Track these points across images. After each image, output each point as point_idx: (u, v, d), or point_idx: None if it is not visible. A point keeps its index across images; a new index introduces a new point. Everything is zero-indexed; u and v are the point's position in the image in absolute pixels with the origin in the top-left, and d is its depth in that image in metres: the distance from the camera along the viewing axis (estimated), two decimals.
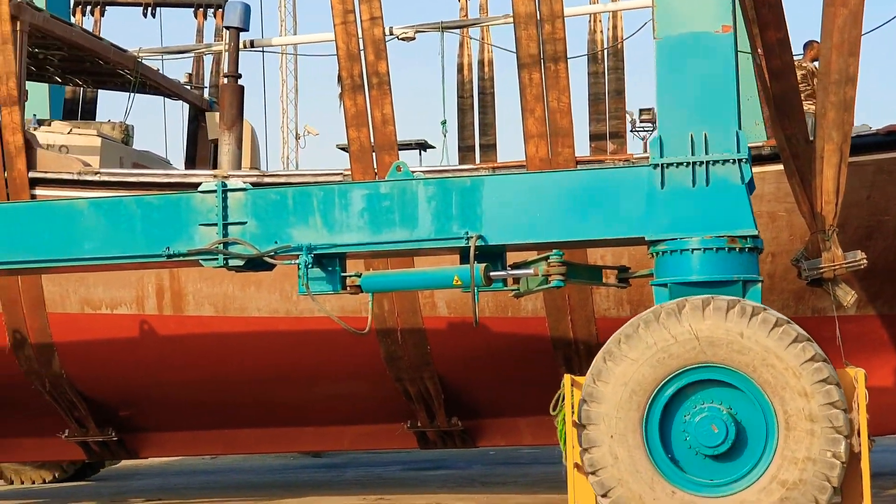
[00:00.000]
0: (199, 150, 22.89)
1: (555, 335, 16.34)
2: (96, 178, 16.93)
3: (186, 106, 23.29)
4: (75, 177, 16.93)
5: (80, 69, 21.72)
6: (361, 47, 16.09)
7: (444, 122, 20.81)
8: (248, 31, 20.02)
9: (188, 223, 12.37)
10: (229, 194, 12.32)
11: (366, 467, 22.59)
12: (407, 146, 27.15)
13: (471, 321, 16.21)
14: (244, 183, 12.47)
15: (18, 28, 17.04)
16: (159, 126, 23.77)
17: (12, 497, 19.96)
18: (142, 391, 17.73)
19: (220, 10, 23.99)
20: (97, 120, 22.60)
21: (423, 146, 27.70)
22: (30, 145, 17.13)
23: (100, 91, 23.44)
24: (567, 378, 11.69)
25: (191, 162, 22.93)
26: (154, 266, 13.38)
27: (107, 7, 23.82)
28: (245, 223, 12.29)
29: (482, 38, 21.87)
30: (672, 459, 10.94)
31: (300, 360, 17.00)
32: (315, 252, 12.08)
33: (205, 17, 24.17)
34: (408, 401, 17.20)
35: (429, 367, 16.75)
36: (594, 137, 22.08)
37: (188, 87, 22.93)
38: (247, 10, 19.82)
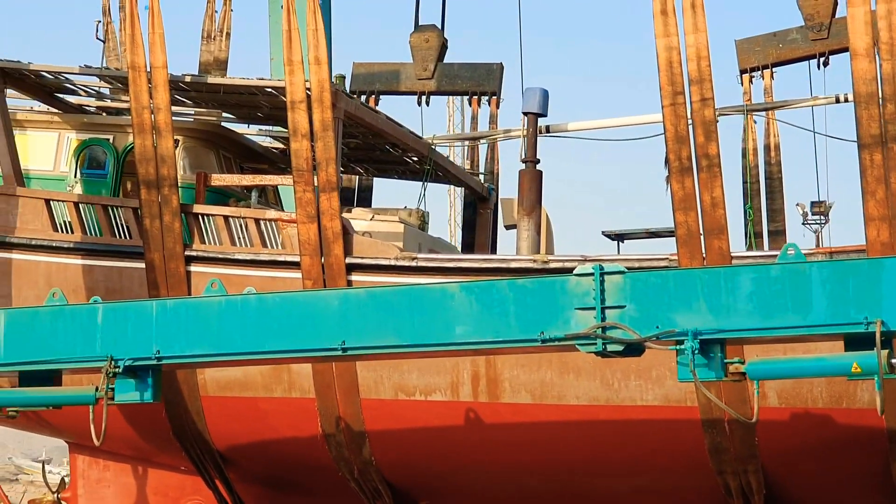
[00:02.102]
0: (478, 237, 22.79)
1: (892, 427, 15.60)
2: (414, 263, 16.83)
3: (458, 191, 23.29)
4: (393, 262, 16.87)
5: (368, 157, 21.86)
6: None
7: (749, 207, 20.34)
8: (546, 116, 19.89)
9: (563, 307, 12.02)
10: (606, 277, 11.97)
11: None
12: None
13: (803, 412, 15.61)
14: (619, 266, 12.12)
15: (335, 115, 17.18)
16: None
17: None
18: (449, 478, 17.46)
19: (495, 97, 24.05)
20: (372, 206, 22.73)
21: None
22: (346, 231, 17.15)
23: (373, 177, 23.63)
24: None
25: (468, 248, 22.83)
26: (528, 351, 13.08)
27: (381, 95, 24.01)
28: (624, 307, 11.90)
29: (768, 122, 21.41)
30: None
31: (618, 450, 16.54)
32: (700, 337, 11.63)
33: (479, 104, 24.19)
34: (726, 495, 16.58)
35: (755, 459, 16.12)
36: None
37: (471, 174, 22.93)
38: (545, 95, 19.70)
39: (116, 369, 12.85)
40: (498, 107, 24.12)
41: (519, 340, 12.12)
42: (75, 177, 20.22)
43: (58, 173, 20.49)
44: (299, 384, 17.37)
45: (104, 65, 25.22)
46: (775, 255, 15.70)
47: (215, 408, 17.92)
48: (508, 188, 24.65)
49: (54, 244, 18.72)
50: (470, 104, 24.41)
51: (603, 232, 27.86)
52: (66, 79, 20.65)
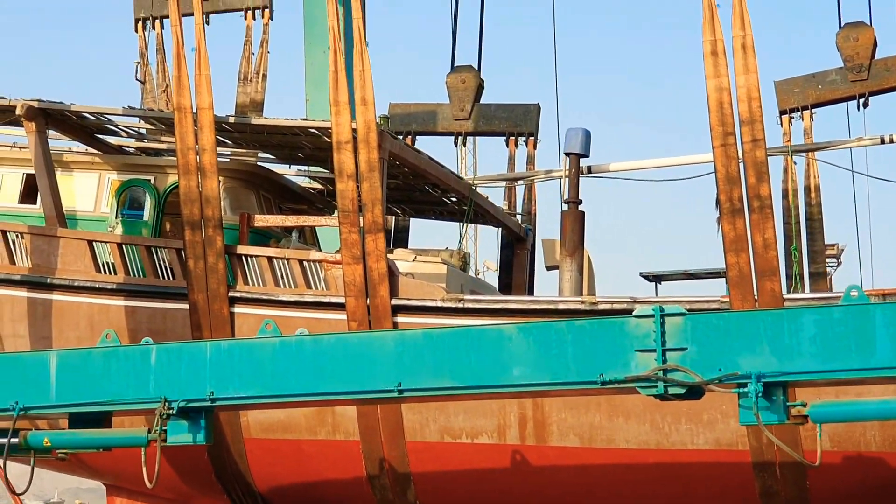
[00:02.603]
0: (516, 277, 22.69)
1: None
2: (461, 305, 16.74)
3: (494, 231, 23.22)
4: (440, 304, 16.77)
5: (406, 198, 21.81)
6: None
7: (794, 248, 20.20)
8: (588, 156, 19.80)
9: (623, 349, 11.89)
10: (667, 319, 11.85)
11: None
12: (712, 274, 26.49)
13: (855, 455, 15.41)
14: (679, 307, 12.00)
15: (381, 155, 17.15)
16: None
17: None
18: None
19: (532, 137, 24.03)
20: (408, 247, 22.66)
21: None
22: (391, 272, 17.07)
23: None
24: None
25: (506, 289, 22.73)
26: (586, 393, 12.94)
27: (418, 136, 24.00)
28: (685, 349, 11.76)
29: (808, 163, 21.31)
30: None
31: (668, 495, 16.37)
32: (764, 380, 11.49)
33: (516, 144, 24.17)
34: None
35: (806, 503, 15.93)
36: None
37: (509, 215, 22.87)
38: (587, 136, 19.63)
39: (170, 411, 12.75)
40: (535, 147, 24.12)
41: (578, 383, 11.99)
42: (116, 217, 20.22)
43: (98, 214, 20.50)
44: (343, 426, 17.26)
45: (142, 106, 25.32)
46: (828, 297, 15.63)
47: (258, 450, 17.81)
48: (544, 229, 24.63)
49: (97, 285, 18.69)
50: (507, 145, 24.40)
51: (640, 273, 27.75)
52: (108, 120, 20.68)
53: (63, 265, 18.96)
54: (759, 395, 11.48)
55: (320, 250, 20.03)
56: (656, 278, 26.41)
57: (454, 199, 22.14)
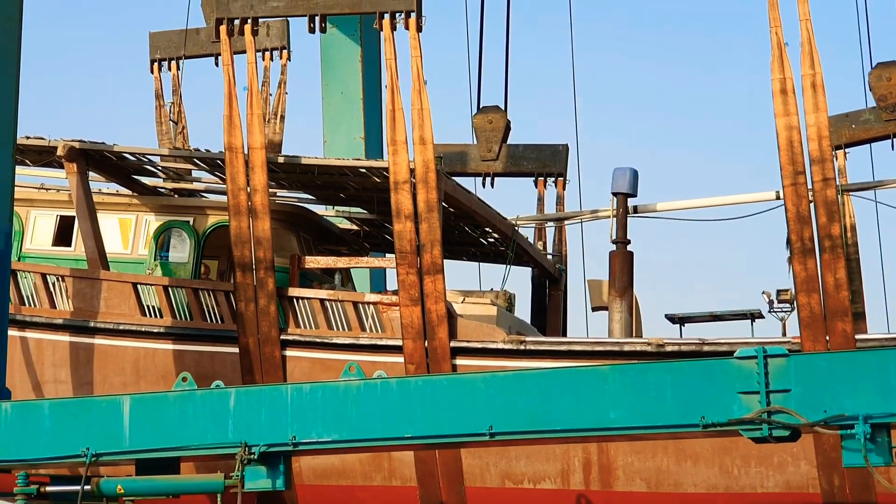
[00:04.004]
0: (550, 318, 22.43)
1: None
2: (522, 347, 16.46)
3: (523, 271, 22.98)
4: (501, 346, 16.50)
5: (446, 239, 21.54)
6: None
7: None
8: (636, 196, 19.62)
9: (724, 390, 11.63)
10: (770, 360, 11.60)
11: None
12: (738, 316, 26.26)
13: None
14: (782, 348, 11.77)
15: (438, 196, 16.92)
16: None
17: None
18: None
19: (561, 178, 23.86)
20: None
21: (753, 316, 26.73)
22: (450, 314, 16.80)
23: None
24: None
25: (540, 331, 22.44)
26: (685, 436, 12.66)
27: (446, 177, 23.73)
28: (788, 390, 11.51)
29: (844, 202, 21.14)
30: None
31: None
32: (871, 421, 11.24)
33: (545, 185, 23.97)
34: None
35: None
36: None
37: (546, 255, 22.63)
38: (635, 175, 19.46)
39: (251, 456, 12.41)
40: (564, 188, 23.95)
41: (678, 426, 11.71)
42: (154, 259, 19.91)
43: (135, 256, 20.19)
44: (400, 472, 16.93)
45: (158, 147, 25.05)
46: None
47: (311, 495, 17.43)
48: (575, 270, 24.42)
49: (143, 329, 18.35)
50: (536, 185, 24.21)
51: (665, 315, 27.49)
52: (149, 160, 20.41)
53: (106, 308, 18.62)
54: (868, 436, 11.24)
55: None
56: (681, 320, 26.17)
57: (492, 240, 21.91)
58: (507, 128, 24.37)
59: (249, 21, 17.44)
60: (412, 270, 16.75)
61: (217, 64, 25.13)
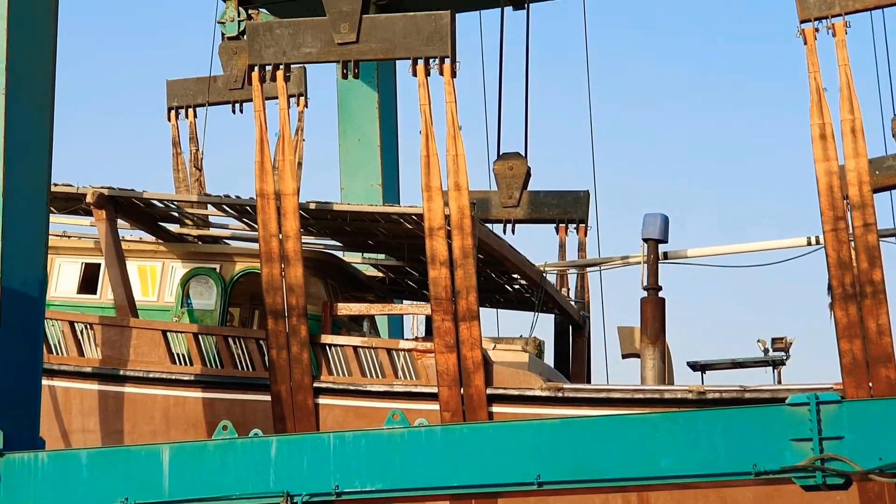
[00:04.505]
0: (574, 365, 22.26)
1: None
2: (560, 394, 16.30)
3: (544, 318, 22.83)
4: (538, 393, 16.33)
5: None
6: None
7: None
8: (667, 242, 19.50)
9: (776, 438, 11.47)
10: (822, 406, 11.43)
11: None
12: (760, 363, 26.07)
13: None
14: (834, 394, 11.61)
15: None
16: None
17: None
18: None
19: (583, 224, 23.76)
20: None
21: (775, 363, 26.55)
22: (486, 361, 16.64)
23: None
24: None
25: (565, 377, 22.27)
26: (738, 484, 12.47)
27: None
28: (842, 437, 11.34)
29: None
30: None
31: None
32: None
33: (566, 232, 23.87)
34: None
35: None
36: None
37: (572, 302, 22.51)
38: (665, 221, 19.36)
39: None
40: (586, 234, 23.84)
41: (730, 474, 11.54)
42: (181, 307, 19.79)
43: (161, 304, 20.06)
44: None
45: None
46: None
47: None
48: (596, 317, 24.24)
49: (173, 377, 18.21)
50: (557, 232, 24.10)
51: (687, 363, 27.32)
52: (177, 207, 20.33)
53: (136, 356, 18.49)
54: None
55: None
56: (703, 367, 26.01)
57: (517, 286, 21.79)
58: (528, 174, 24.20)
59: (282, 67, 17.38)
60: (447, 317, 16.60)
61: (234, 111, 25.26)
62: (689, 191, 51.45)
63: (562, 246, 23.87)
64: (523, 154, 24.06)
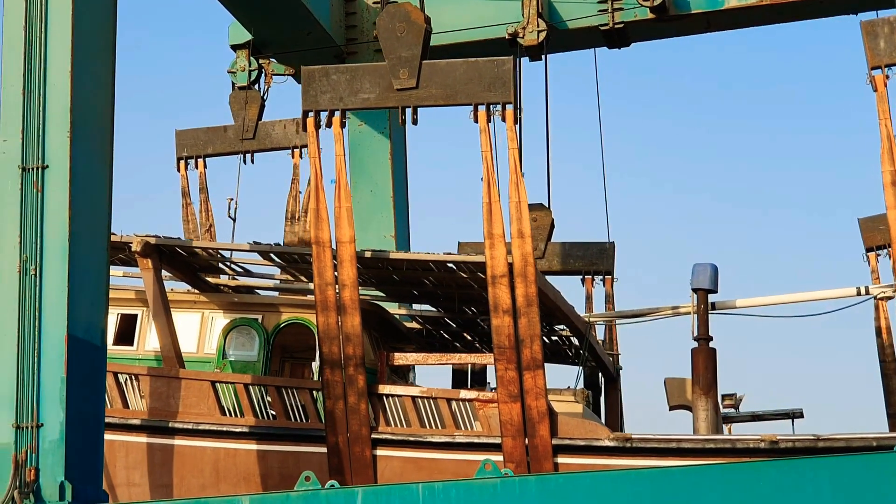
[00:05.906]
0: (608, 417, 21.97)
1: None
2: (629, 444, 16.00)
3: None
4: (606, 444, 16.04)
5: None
6: None
7: None
8: (717, 292, 19.26)
9: (884, 483, 11.25)
10: None
11: None
12: (779, 416, 25.83)
13: None
14: None
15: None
16: None
17: None
18: None
19: (609, 276, 23.60)
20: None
21: (794, 415, 26.29)
22: (551, 411, 16.35)
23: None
24: None
25: None
26: None
27: None
28: None
29: (878, 306, 20.89)
30: None
31: None
32: None
33: (592, 284, 23.70)
34: None
35: None
36: None
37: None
38: (715, 271, 19.12)
39: None
40: (613, 286, 23.65)
41: None
42: (223, 358, 19.45)
43: (202, 355, 19.71)
44: None
45: None
46: None
47: None
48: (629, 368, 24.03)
49: (224, 429, 17.84)
50: (583, 283, 23.90)
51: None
52: (222, 256, 20.04)
53: (184, 408, 18.11)
54: None
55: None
56: (724, 420, 25.83)
57: (554, 338, 21.55)
58: (552, 225, 24.04)
59: (338, 113, 17.18)
60: (511, 366, 16.31)
61: (245, 161, 25.06)
62: (716, 239, 51.04)
63: (588, 297, 23.66)
64: (547, 205, 23.95)
